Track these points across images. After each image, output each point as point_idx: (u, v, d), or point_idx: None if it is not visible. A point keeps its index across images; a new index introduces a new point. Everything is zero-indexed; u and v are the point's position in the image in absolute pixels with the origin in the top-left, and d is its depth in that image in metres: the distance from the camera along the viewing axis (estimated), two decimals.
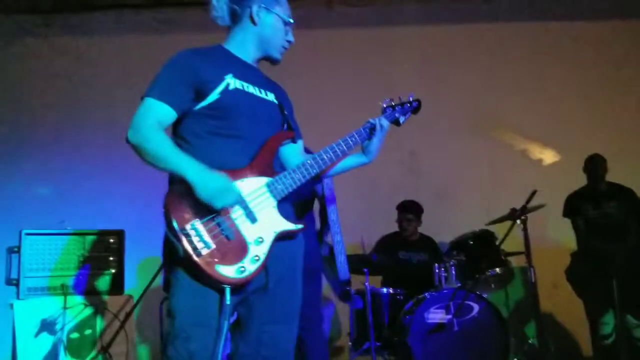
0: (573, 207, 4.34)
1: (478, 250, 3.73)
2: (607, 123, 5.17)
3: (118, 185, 4.56)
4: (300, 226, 1.78)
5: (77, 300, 2.63)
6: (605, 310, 3.97)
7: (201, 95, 1.72)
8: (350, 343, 4.03)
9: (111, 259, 3.17)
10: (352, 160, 1.99)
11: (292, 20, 1.88)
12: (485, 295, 3.59)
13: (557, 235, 5.05)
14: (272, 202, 1.75)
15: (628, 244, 4.08)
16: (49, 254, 2.82)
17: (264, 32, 1.85)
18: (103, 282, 3.06)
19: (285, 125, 1.89)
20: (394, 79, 5.04)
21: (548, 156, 5.33)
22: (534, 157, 5.33)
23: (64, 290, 2.56)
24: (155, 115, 1.68)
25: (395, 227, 4.55)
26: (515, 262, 4.15)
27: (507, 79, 5.23)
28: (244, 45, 1.85)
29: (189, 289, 1.66)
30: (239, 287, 1.67)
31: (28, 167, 4.73)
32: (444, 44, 5.25)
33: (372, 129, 1.94)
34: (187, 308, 1.66)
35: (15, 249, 2.85)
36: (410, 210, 4.47)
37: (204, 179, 1.63)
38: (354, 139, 1.91)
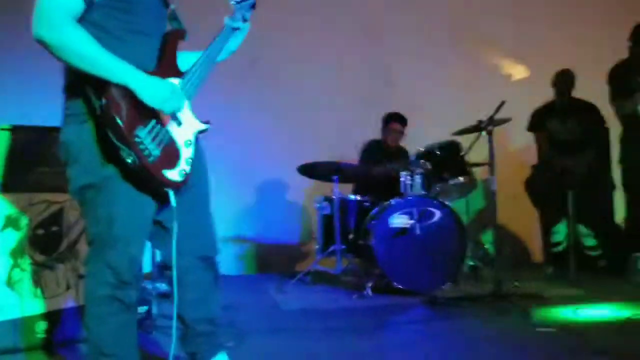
0: (538, 121, 4.43)
1: (444, 160, 3.79)
2: (580, 42, 5.22)
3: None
4: (208, 125, 1.81)
5: (42, 197, 2.61)
6: (559, 220, 4.16)
7: None
8: (317, 246, 4.20)
9: None
10: (233, 43, 1.93)
11: None
12: (447, 203, 3.70)
13: (520, 149, 5.22)
14: (187, 104, 1.77)
15: (586, 159, 4.21)
16: None
17: None
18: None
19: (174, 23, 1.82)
20: None
21: (518, 71, 5.37)
22: (505, 71, 5.37)
23: (29, 187, 2.53)
24: (66, 7, 1.53)
25: (372, 136, 4.64)
26: (480, 174, 4.29)
27: None
28: None
29: (129, 196, 1.65)
30: (179, 189, 1.70)
31: None
32: None
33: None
34: (127, 214, 1.65)
35: None
36: (402, 121, 4.56)
37: (151, 84, 1.60)
38: (227, 34, 1.89)
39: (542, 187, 4.23)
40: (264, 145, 4.85)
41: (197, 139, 1.81)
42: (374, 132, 4.69)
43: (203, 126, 1.81)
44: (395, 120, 4.55)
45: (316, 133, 4.92)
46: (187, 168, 1.72)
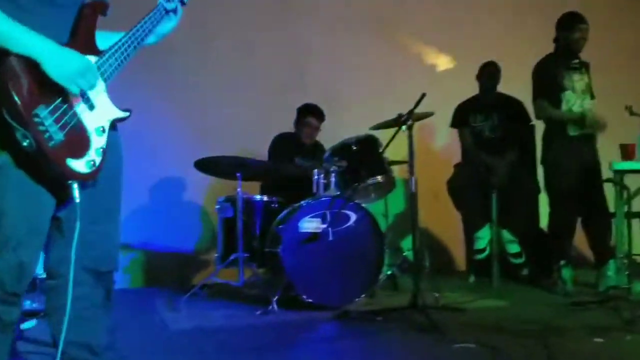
0: (462, 117, 4.56)
1: (360, 156, 3.80)
2: (510, 34, 5.47)
3: None
4: (127, 113, 1.77)
5: None
6: (482, 224, 4.28)
7: None
8: (216, 255, 4.09)
9: None
10: (165, 26, 1.93)
11: None
12: (364, 205, 3.69)
13: (443, 146, 5.38)
14: (103, 86, 1.72)
15: (509, 158, 4.37)
16: None
17: None
18: None
19: None
20: None
21: (443, 62, 5.53)
22: (429, 62, 5.51)
23: None
24: None
25: (284, 129, 4.60)
26: (399, 172, 4.34)
27: None
28: None
29: (23, 188, 1.57)
30: (85, 183, 1.64)
31: None
32: None
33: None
34: (19, 210, 1.58)
35: None
36: (320, 116, 4.55)
37: (59, 56, 1.55)
38: (159, 15, 1.89)
39: (465, 187, 4.34)
40: (158, 139, 4.68)
41: (112, 127, 1.74)
42: (287, 125, 4.65)
43: (121, 114, 1.76)
44: (310, 114, 4.53)
45: (221, 126, 4.85)
46: (97, 159, 1.66)
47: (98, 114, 1.70)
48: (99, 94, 1.70)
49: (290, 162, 4.28)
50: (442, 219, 5.02)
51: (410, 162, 3.41)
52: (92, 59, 1.67)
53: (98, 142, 1.67)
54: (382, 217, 4.36)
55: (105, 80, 1.71)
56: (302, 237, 3.55)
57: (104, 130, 1.70)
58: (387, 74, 5.29)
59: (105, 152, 1.68)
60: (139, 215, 4.68)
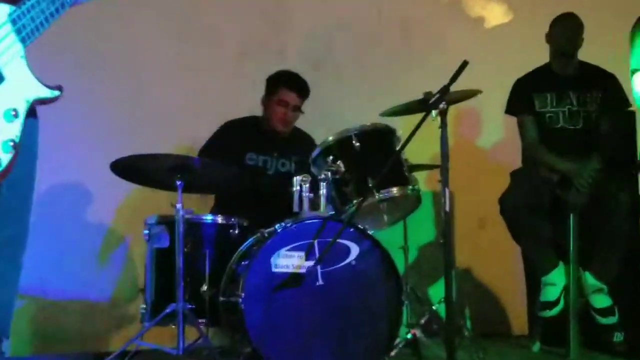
0: (523, 98, 4.59)
1: (367, 157, 3.84)
2: None
3: None
4: (57, 92, 1.86)
5: None
6: (553, 264, 4.29)
7: None
8: (143, 306, 4.08)
9: None
10: None
11: None
12: (371, 232, 3.70)
13: (493, 143, 5.42)
14: (19, 49, 1.78)
15: (596, 161, 4.37)
16: None
17: None
18: None
19: None
20: None
21: (494, 14, 5.54)
22: (473, 13, 5.53)
23: None
24: None
25: (245, 113, 4.68)
26: (426, 182, 4.37)
27: None
28: None
29: None
30: None
31: None
32: None
33: None
34: None
35: None
36: (301, 89, 4.58)
37: None
38: None
39: (526, 207, 4.31)
40: (58, 132, 4.71)
41: (30, 111, 1.80)
42: (251, 106, 4.71)
43: (45, 92, 1.83)
44: (286, 86, 4.56)
45: (153, 112, 4.96)
46: (6, 157, 1.73)
47: (9, 89, 1.75)
48: (13, 59, 1.75)
49: (251, 162, 4.41)
50: (491, 255, 5.06)
51: (443, 166, 3.43)
52: (4, 9, 1.75)
53: (7, 131, 1.74)
54: (400, 251, 4.37)
55: (22, 41, 1.77)
56: (275, 280, 3.55)
57: (16, 115, 1.76)
58: (407, 29, 5.37)
59: (17, 147, 1.75)
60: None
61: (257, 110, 4.71)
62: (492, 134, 5.43)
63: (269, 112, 4.62)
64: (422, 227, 4.91)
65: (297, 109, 4.61)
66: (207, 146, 4.60)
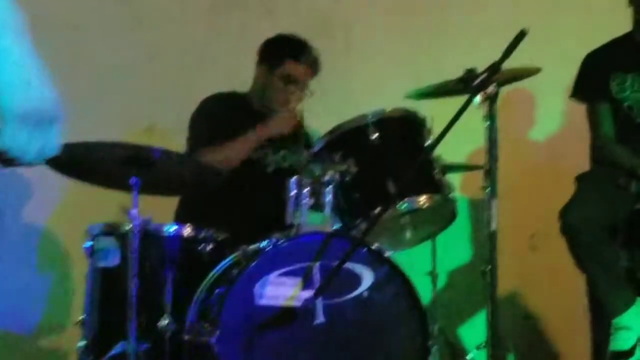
0: (596, 79, 4.57)
1: (387, 154, 3.86)
2: None
3: None
4: None
5: None
6: (629, 302, 4.26)
7: None
8: (82, 343, 4.06)
9: None
10: None
11: None
12: (388, 254, 3.70)
13: (550, 136, 5.43)
14: None
15: None
16: None
17: None
18: None
19: None
20: None
21: None
22: None
23: None
24: None
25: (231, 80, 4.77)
26: (460, 185, 4.37)
27: None
28: None
29: None
30: None
31: None
32: None
33: None
34: None
35: None
36: (310, 61, 4.59)
37: None
38: None
39: (595, 225, 4.33)
40: None
41: None
42: (228, 75, 4.75)
43: None
44: (295, 56, 4.57)
45: (97, 87, 5.03)
46: None
47: None
48: None
49: (237, 153, 4.39)
50: (545, 286, 5.10)
51: (490, 170, 3.44)
52: None
53: None
54: (426, 278, 4.41)
55: None
56: (260, 314, 3.56)
57: None
58: None
59: None
60: None
61: (238, 82, 4.73)
62: (550, 124, 5.43)
63: (269, 90, 4.62)
64: (456, 246, 4.97)
65: (304, 87, 4.58)
66: (196, 136, 4.57)
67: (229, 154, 4.29)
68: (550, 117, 5.37)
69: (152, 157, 3.82)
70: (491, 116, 3.44)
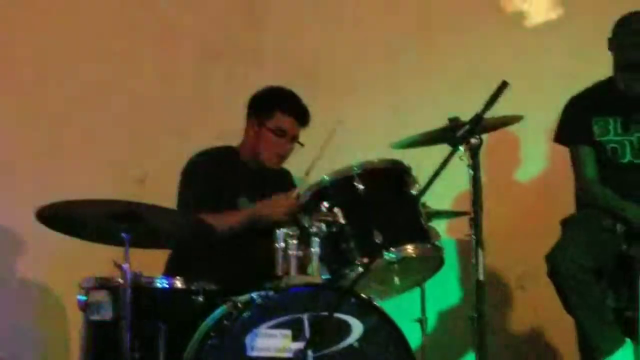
0: (579, 123, 4.58)
1: (373, 203, 3.84)
2: None
3: None
4: None
5: None
6: (618, 342, 4.28)
7: None
8: None
9: None
10: None
11: None
12: (377, 304, 3.71)
13: (535, 177, 5.43)
14: None
15: None
16: None
17: None
18: None
19: None
20: None
21: (538, 9, 5.56)
22: (509, 8, 5.55)
23: None
24: None
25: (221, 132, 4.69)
26: (447, 227, 4.37)
27: None
28: None
29: None
30: None
31: None
32: None
33: None
34: None
35: None
36: (303, 116, 4.57)
37: None
38: None
39: (584, 269, 4.31)
40: None
41: None
42: (219, 127, 4.75)
43: None
44: (286, 109, 4.56)
45: (88, 138, 5.00)
46: None
47: None
48: None
49: (227, 206, 4.38)
50: (534, 326, 5.08)
51: (475, 220, 3.44)
52: None
53: None
54: (416, 325, 4.39)
55: None
56: None
57: None
58: (427, 29, 5.41)
59: None
60: None
61: (228, 134, 4.73)
62: (534, 165, 5.41)
63: (259, 142, 4.58)
64: (444, 292, 4.93)
65: (293, 141, 4.57)
66: (188, 195, 4.53)
67: (224, 226, 4.20)
68: (535, 159, 5.38)
69: (142, 213, 3.84)
70: (475, 166, 3.44)
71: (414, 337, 3.97)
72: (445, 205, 4.12)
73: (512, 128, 4.13)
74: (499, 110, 3.54)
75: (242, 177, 4.52)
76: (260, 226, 4.23)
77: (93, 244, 4.15)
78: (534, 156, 5.32)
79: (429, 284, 4.38)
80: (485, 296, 3.43)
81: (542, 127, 4.76)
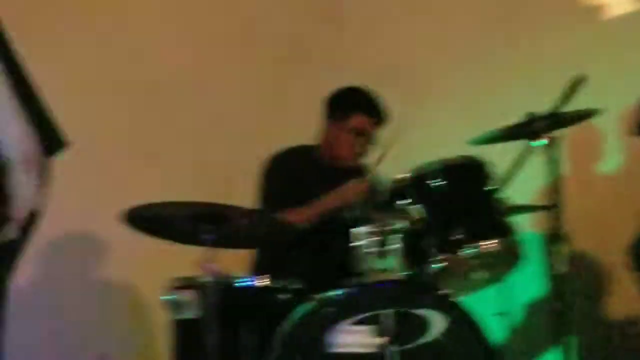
0: None
1: (452, 199, 3.88)
2: None
3: None
4: None
5: None
6: None
7: None
8: None
9: None
10: None
11: None
12: (457, 298, 3.73)
13: (620, 177, 5.33)
14: None
15: None
16: None
17: None
18: None
19: None
20: None
21: (616, 1, 5.51)
22: (586, 1, 5.50)
23: None
24: None
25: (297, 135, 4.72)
26: (531, 226, 4.35)
27: None
28: None
29: None
30: None
31: None
32: None
33: None
34: None
35: None
36: (379, 115, 4.57)
37: None
38: None
39: None
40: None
41: None
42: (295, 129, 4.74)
43: None
44: (364, 110, 4.56)
45: (176, 143, 5.05)
46: None
47: None
48: None
49: (305, 205, 4.39)
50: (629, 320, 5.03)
51: (554, 211, 3.47)
52: None
53: None
54: (498, 319, 4.36)
55: None
56: None
57: None
58: (507, 24, 5.39)
59: None
60: None
61: (303, 136, 4.73)
62: (615, 159, 5.33)
63: (337, 143, 4.60)
64: (529, 286, 4.92)
65: (370, 138, 4.56)
66: (268, 194, 4.57)
67: (303, 220, 4.25)
68: (615, 153, 5.33)
69: (226, 214, 3.88)
70: (554, 160, 3.44)
71: (496, 332, 3.94)
72: (524, 200, 4.07)
73: (597, 130, 4.07)
74: (578, 104, 3.53)
75: (320, 175, 4.52)
76: (339, 219, 4.26)
77: (179, 245, 4.23)
78: (615, 149, 5.26)
79: (512, 278, 4.36)
80: (568, 289, 3.42)
81: (621, 120, 4.69)
